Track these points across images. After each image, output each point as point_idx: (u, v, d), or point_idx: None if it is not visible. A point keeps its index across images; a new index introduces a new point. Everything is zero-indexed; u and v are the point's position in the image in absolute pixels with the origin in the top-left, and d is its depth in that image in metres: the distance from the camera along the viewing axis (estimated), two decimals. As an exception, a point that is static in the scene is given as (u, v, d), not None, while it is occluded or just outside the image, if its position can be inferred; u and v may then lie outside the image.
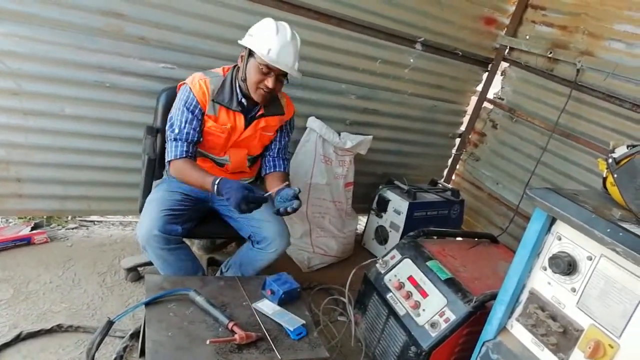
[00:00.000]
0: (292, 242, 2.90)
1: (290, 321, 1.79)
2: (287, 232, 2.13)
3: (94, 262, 2.50)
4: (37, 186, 2.47)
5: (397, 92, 3.28)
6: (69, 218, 2.84)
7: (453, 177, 3.98)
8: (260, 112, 2.07)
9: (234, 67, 2.06)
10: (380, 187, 3.26)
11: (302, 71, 2.77)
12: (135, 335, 2.06)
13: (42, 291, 2.24)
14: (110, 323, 1.67)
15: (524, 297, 1.60)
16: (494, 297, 1.84)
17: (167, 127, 2.01)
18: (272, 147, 2.21)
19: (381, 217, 3.22)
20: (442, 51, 3.28)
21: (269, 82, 1.92)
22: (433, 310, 1.91)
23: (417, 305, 1.96)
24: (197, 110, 1.98)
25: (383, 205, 3.20)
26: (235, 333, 1.65)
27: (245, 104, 2.03)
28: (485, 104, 3.72)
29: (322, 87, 2.98)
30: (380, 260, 2.19)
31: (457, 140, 3.84)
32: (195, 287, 1.85)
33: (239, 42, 1.97)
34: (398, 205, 3.10)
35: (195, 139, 1.99)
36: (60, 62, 2.27)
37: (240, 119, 2.04)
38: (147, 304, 1.73)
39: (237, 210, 1.77)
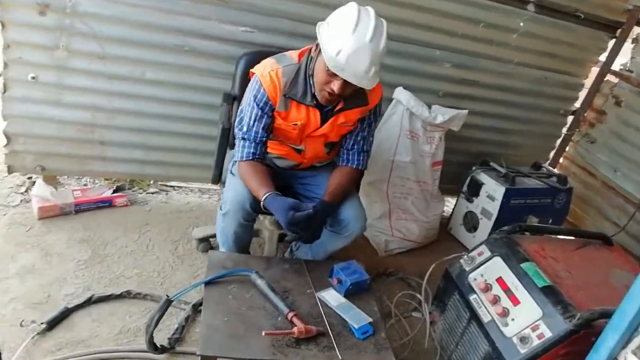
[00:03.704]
0: (370, 224, 2.75)
1: (356, 317, 1.61)
2: (364, 217, 1.93)
3: (168, 229, 2.51)
4: (119, 150, 2.50)
5: (501, 61, 2.87)
6: (151, 182, 2.88)
7: (561, 160, 3.49)
8: (339, 107, 1.79)
9: (309, 54, 1.76)
10: (474, 168, 2.92)
11: (390, 35, 2.52)
12: (197, 306, 2.02)
13: (117, 255, 2.27)
14: (168, 302, 1.61)
15: (647, 325, 1.27)
16: (604, 315, 1.52)
17: (236, 122, 1.84)
18: (348, 139, 1.93)
19: (472, 201, 2.90)
20: (560, 13, 2.80)
21: (335, 86, 1.62)
22: (524, 322, 1.62)
23: (505, 313, 1.68)
24: (267, 107, 1.76)
25: (475, 188, 2.86)
26: (295, 325, 1.52)
27: None
28: (609, 77, 3.17)
29: (412, 54, 2.67)
30: (465, 256, 1.92)
31: (570, 119, 3.33)
32: (258, 268, 1.74)
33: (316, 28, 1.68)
34: (492, 190, 2.76)
35: (265, 138, 1.81)
36: (141, 25, 2.23)
37: (316, 115, 1.80)
38: (207, 283, 1.65)
39: (290, 231, 1.66)
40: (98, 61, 2.25)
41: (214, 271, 1.70)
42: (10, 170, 2.41)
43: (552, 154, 3.47)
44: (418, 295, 1.88)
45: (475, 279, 1.84)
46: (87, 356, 1.78)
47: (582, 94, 3.27)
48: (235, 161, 1.85)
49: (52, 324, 1.85)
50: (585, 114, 3.29)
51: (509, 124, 3.12)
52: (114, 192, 2.60)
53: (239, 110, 1.85)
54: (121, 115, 2.41)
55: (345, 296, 1.71)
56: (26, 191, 2.54)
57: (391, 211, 2.72)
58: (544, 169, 3.12)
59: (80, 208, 2.46)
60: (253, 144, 1.79)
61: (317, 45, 1.67)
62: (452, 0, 2.59)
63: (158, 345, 1.75)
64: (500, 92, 2.97)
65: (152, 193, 2.81)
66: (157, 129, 2.49)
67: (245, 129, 1.79)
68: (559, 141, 3.41)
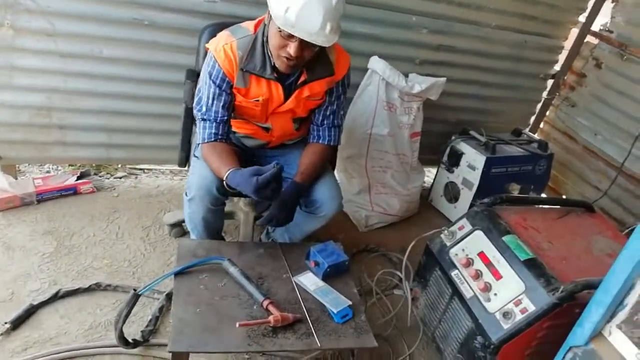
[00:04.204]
0: (349, 199, 2.68)
1: (335, 301, 1.55)
2: (339, 195, 1.83)
3: (138, 215, 2.39)
4: (80, 133, 2.36)
5: (478, 25, 2.77)
6: (119, 166, 2.75)
7: (541, 125, 3.44)
8: (302, 79, 1.67)
9: (264, 22, 1.62)
10: (453, 137, 2.85)
11: (362, 1, 2.40)
12: (172, 295, 1.92)
13: (84, 245, 2.16)
14: (136, 296, 1.52)
15: (631, 299, 1.22)
16: (587, 286, 1.49)
17: (195, 103, 1.70)
18: (317, 114, 1.82)
19: (452, 172, 2.84)
20: (538, -28, 2.70)
21: (292, 49, 1.48)
22: (507, 297, 1.58)
23: (487, 288, 1.64)
24: (224, 84, 1.64)
25: (455, 158, 2.80)
26: (271, 314, 1.45)
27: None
28: (589, 38, 3.11)
29: (387, 20, 2.54)
30: (446, 231, 1.85)
31: (550, 83, 3.26)
32: (231, 254, 1.66)
33: None
34: (473, 159, 2.69)
35: (226, 117, 1.68)
36: (94, -2, 2.05)
37: (278, 89, 1.67)
38: (177, 274, 1.57)
39: (261, 199, 1.51)
40: (48, 39, 2.08)
41: (185, 260, 1.61)
42: (-37, 160, 2.26)
43: (532, 120, 3.41)
44: (398, 273, 1.82)
45: (456, 254, 1.79)
46: (56, 355, 1.69)
47: (562, 57, 3.19)
48: (198, 144, 1.73)
49: (17, 322, 1.75)
50: (565, 77, 3.23)
51: (488, 91, 3.04)
52: (79, 178, 2.46)
53: (196, 90, 1.72)
54: (79, 97, 2.25)
55: (324, 279, 1.65)
56: (-17, 182, 2.40)
57: (370, 186, 2.65)
58: (525, 135, 3.07)
59: (42, 197, 2.32)
60: (214, 124, 1.67)
61: (268, 12, 1.54)
62: (426, -38, 2.47)
63: (130, 340, 1.67)
64: (478, 57, 2.87)
65: (120, 178, 2.68)
66: (120, 110, 2.35)
67: (204, 109, 1.67)
68: (539, 106, 3.36)
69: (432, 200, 3.03)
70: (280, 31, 1.48)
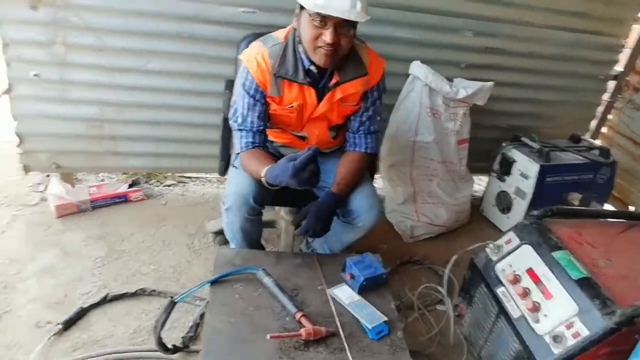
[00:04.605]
0: (394, 209, 2.62)
1: (370, 316, 1.50)
2: (376, 206, 1.79)
3: (184, 223, 2.46)
4: (130, 144, 2.46)
5: (527, 25, 2.63)
6: (168, 175, 2.84)
7: (604, 130, 3.21)
8: (334, 81, 1.65)
9: (294, 29, 1.64)
10: (504, 144, 2.71)
11: (394, 4, 2.34)
12: (210, 304, 1.96)
13: (133, 251, 2.24)
14: (173, 303, 1.55)
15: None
16: (649, 309, 1.35)
17: (230, 114, 1.73)
18: (352, 121, 1.78)
19: (504, 180, 2.70)
20: (590, -34, 2.54)
21: (327, 36, 1.47)
22: (558, 318, 1.47)
23: (536, 308, 1.53)
24: (258, 94, 1.65)
25: (507, 166, 2.67)
26: (303, 326, 1.42)
27: (315, 71, 1.63)
28: (654, 36, 2.87)
29: (429, 24, 2.48)
30: (491, 244, 1.76)
31: (611, 84, 3.04)
32: (267, 264, 1.64)
33: None
34: (525, 167, 2.55)
35: (262, 127, 1.69)
36: (136, 13, 2.15)
37: (311, 93, 1.65)
38: (213, 283, 1.58)
39: (303, 185, 1.47)
40: (97, 54, 2.19)
41: (221, 269, 1.62)
42: (26, 169, 2.41)
43: (592, 124, 3.20)
44: (439, 288, 1.74)
45: (503, 270, 1.69)
46: (103, 356, 1.75)
47: (624, 56, 2.97)
48: (237, 154, 1.75)
49: (68, 324, 1.84)
50: (628, 78, 3.00)
51: (541, 94, 2.88)
52: (130, 186, 2.57)
53: (231, 101, 1.74)
54: (128, 109, 2.35)
55: (360, 292, 1.60)
56: (45, 190, 2.55)
57: (416, 195, 2.57)
58: (584, 141, 2.87)
59: (96, 204, 2.44)
60: (250, 134, 1.69)
61: (296, 14, 1.56)
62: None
63: (169, 346, 1.70)
64: (529, 59, 2.73)
65: (169, 186, 2.77)
66: (165, 120, 2.43)
67: (240, 120, 1.69)
68: (599, 109, 3.13)
69: (483, 211, 2.90)
70: (312, 20, 1.47)
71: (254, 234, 1.83)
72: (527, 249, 1.65)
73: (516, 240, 1.70)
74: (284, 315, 1.49)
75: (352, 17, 1.46)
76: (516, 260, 1.67)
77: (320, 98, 1.68)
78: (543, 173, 2.47)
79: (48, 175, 2.62)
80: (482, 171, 2.95)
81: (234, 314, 1.48)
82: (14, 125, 2.28)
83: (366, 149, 1.81)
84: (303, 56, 1.61)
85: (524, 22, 2.63)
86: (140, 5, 2.12)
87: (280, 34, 1.67)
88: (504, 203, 2.68)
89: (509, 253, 1.70)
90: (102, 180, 2.74)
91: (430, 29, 2.49)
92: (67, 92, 2.24)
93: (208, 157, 2.57)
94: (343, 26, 1.48)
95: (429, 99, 2.40)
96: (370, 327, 1.46)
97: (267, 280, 1.57)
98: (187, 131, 2.48)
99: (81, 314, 1.89)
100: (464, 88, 2.40)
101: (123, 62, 2.24)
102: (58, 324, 1.81)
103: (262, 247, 2.03)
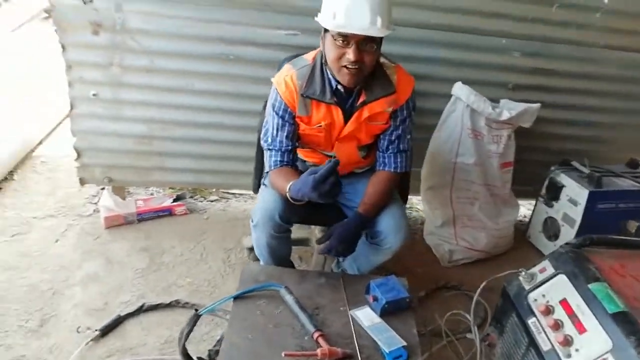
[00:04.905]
0: (432, 231, 2.55)
1: (389, 340, 1.46)
2: (405, 227, 1.75)
3: (223, 237, 2.53)
4: (176, 160, 2.57)
5: (582, 45, 2.51)
6: (213, 190, 2.94)
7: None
8: (361, 100, 1.67)
9: (321, 51, 1.67)
10: (552, 168, 2.58)
11: (436, 25, 2.32)
12: (240, 318, 1.99)
13: (172, 263, 2.33)
14: (197, 316, 1.59)
15: None
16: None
17: (262, 135, 1.80)
18: (382, 140, 1.78)
19: (552, 206, 2.57)
20: (653, -18, 2.38)
21: (350, 55, 1.49)
22: (590, 354, 1.35)
23: (568, 342, 1.42)
24: (287, 115, 1.70)
25: (555, 191, 2.53)
26: (320, 346, 1.41)
27: (342, 91, 1.66)
28: None
29: (473, 45, 2.42)
30: (524, 272, 1.66)
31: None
32: (292, 282, 1.66)
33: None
34: (574, 193, 2.41)
35: (290, 147, 1.74)
36: (185, 37, 2.26)
37: (338, 113, 1.68)
38: (236, 298, 1.61)
39: (324, 198, 1.48)
40: (149, 75, 2.32)
41: (245, 285, 1.64)
42: (82, 182, 2.58)
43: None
44: (467, 316, 1.66)
45: (535, 300, 1.59)
46: (134, 364, 1.83)
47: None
48: (266, 172, 1.79)
49: (106, 331, 1.93)
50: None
51: (597, 117, 2.72)
52: (174, 201, 2.69)
53: (264, 122, 1.80)
54: (174, 126, 2.47)
55: (381, 315, 1.56)
56: (98, 202, 2.71)
57: (455, 218, 2.50)
58: (643, 166, 2.68)
59: (142, 217, 2.57)
60: (279, 153, 1.73)
61: (321, 37, 1.59)
62: (519, -19, 2.31)
63: (195, 358, 1.74)
64: (583, 80, 2.60)
65: (212, 201, 2.86)
66: (208, 137, 2.52)
67: (270, 140, 1.75)
68: (662, 133, 2.91)
69: (530, 237, 2.76)
70: (335, 40, 1.51)
71: (281, 251, 1.85)
72: (562, 279, 1.54)
73: (551, 269, 1.60)
74: (303, 334, 1.49)
75: (373, 33, 1.48)
76: (550, 291, 1.56)
77: (347, 117, 1.69)
78: (593, 200, 2.32)
79: (103, 188, 2.79)
80: (530, 196, 2.81)
81: (253, 330, 1.49)
82: (73, 140, 2.46)
83: (395, 169, 1.79)
84: (330, 76, 1.64)
85: (578, 42, 2.51)
86: (190, 29, 2.24)
87: (309, 56, 1.72)
88: (552, 230, 2.54)
89: (543, 282, 1.59)
90: (152, 194, 2.88)
91: (474, 49, 2.43)
92: (120, 111, 2.40)
93: (247, 175, 2.62)
94: (365, 43, 1.50)
95: (470, 120, 2.35)
96: (387, 350, 1.42)
97: (288, 298, 1.57)
98: (228, 149, 2.56)
99: (118, 321, 1.98)
100: (508, 110, 2.33)
101: (172, 82, 2.36)
102: (96, 330, 1.91)
103: (291, 265, 2.04)
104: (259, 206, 1.74)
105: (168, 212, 2.63)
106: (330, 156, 1.82)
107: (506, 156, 2.48)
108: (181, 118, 2.45)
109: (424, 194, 2.55)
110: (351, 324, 1.54)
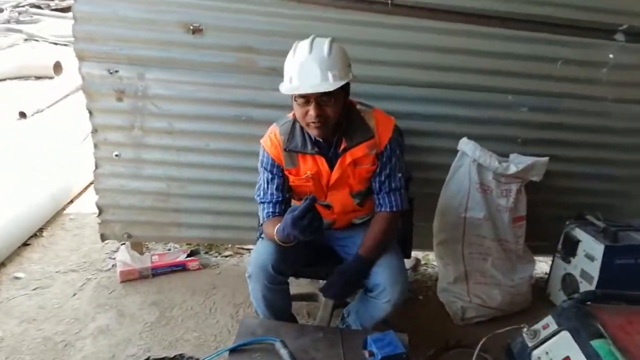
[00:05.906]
0: (444, 288, 2.50)
1: (382, 398, 1.43)
2: (403, 281, 1.75)
3: (233, 293, 2.55)
4: (191, 216, 2.66)
5: (591, 100, 2.51)
6: (228, 246, 3.00)
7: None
8: (342, 147, 1.76)
9: None
10: (567, 222, 2.52)
11: (444, 83, 2.40)
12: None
13: (181, 317, 2.36)
14: (192, 368, 1.60)
15: None
16: None
17: (255, 192, 1.91)
18: (374, 182, 1.84)
19: (569, 262, 2.48)
20: (658, 37, 2.39)
21: (312, 111, 1.61)
22: (595, 417, 1.28)
23: (571, 404, 1.35)
24: (275, 169, 1.82)
25: (571, 247, 2.45)
26: (310, 402, 1.39)
27: (322, 140, 1.76)
28: None
29: (480, 101, 2.46)
30: (526, 329, 1.60)
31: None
32: (289, 336, 1.66)
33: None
34: (591, 248, 2.33)
35: (281, 198, 1.83)
36: (201, 101, 2.41)
37: (322, 162, 1.79)
38: (232, 351, 1.61)
39: (304, 233, 1.53)
40: (168, 136, 2.47)
41: (242, 338, 1.66)
42: (103, 238, 2.70)
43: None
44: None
45: (539, 358, 1.52)
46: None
47: None
48: (260, 225, 1.85)
49: (110, 384, 1.96)
50: None
51: (609, 170, 2.66)
52: (189, 256, 2.75)
53: (258, 180, 1.90)
54: (190, 184, 2.58)
55: (378, 371, 1.53)
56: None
57: (468, 274, 2.44)
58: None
59: (156, 272, 2.63)
60: (271, 205, 1.82)
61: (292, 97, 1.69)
62: (522, 41, 2.37)
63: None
64: (594, 134, 2.57)
65: (226, 256, 2.91)
66: (223, 194, 2.61)
67: (262, 194, 1.84)
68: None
69: (550, 295, 2.65)
70: (296, 101, 1.63)
71: (277, 303, 1.85)
72: (565, 336, 1.48)
73: (554, 326, 1.54)
74: (295, 390, 1.47)
75: (325, 88, 1.58)
76: (553, 348, 1.50)
77: (333, 165, 1.77)
78: (610, 255, 2.23)
79: (123, 244, 2.90)
80: (547, 251, 2.72)
81: (247, 384, 1.49)
82: (96, 198, 2.61)
83: (392, 207, 1.82)
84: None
85: (587, 97, 2.51)
86: (204, 94, 2.40)
87: (290, 114, 1.83)
88: (570, 287, 2.43)
89: (546, 339, 1.53)
90: (169, 249, 2.96)
91: (479, 106, 2.47)
92: (140, 170, 2.54)
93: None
94: (324, 98, 1.60)
95: (477, 174, 2.34)
96: (379, 410, 1.38)
97: (283, 352, 1.56)
98: (242, 205, 2.62)
99: (123, 375, 2.01)
100: (515, 164, 2.32)
101: (188, 142, 2.50)
102: (99, 383, 1.94)
103: (293, 319, 2.04)
104: (252, 257, 1.81)
105: (182, 267, 2.69)
106: (326, 206, 1.87)
107: (517, 210, 2.44)
108: (196, 175, 2.56)
109: (436, 249, 2.52)
110: (345, 379, 1.52)
